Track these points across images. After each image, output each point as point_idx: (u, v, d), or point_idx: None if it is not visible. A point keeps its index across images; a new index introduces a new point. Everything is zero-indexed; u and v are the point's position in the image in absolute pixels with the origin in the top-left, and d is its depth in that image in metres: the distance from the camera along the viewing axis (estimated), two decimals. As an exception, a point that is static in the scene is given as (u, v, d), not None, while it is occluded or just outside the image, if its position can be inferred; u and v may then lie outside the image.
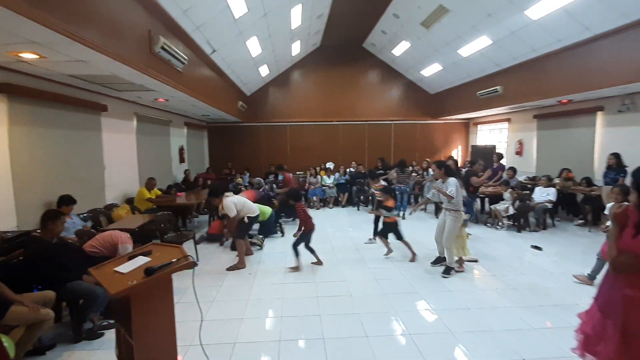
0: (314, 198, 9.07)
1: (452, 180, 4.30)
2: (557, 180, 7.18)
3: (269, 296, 3.80)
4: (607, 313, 1.70)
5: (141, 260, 2.10)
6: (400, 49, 9.95)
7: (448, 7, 6.71)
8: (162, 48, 4.44)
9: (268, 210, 5.92)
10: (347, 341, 2.90)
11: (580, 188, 6.67)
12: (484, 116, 11.02)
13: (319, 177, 9.53)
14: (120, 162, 6.33)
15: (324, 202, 9.26)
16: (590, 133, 7.18)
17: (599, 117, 7.00)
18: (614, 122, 6.70)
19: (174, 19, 4.89)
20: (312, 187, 9.22)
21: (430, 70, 10.16)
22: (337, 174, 9.73)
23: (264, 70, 10.08)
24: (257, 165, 11.54)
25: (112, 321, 3.10)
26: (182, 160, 9.43)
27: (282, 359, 2.68)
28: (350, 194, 9.25)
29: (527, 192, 6.89)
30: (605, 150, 6.77)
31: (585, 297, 3.66)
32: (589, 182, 6.70)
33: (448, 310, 3.40)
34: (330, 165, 11.03)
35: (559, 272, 4.34)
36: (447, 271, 4.29)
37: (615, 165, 5.96)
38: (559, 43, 6.15)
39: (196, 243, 5.22)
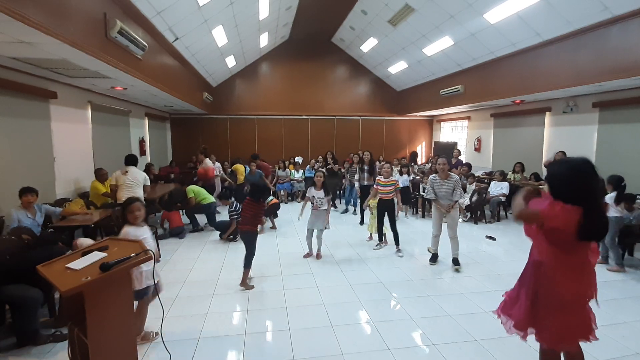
0: (282, 192, 9.05)
1: (455, 177, 4.32)
2: (516, 176, 7.63)
3: (234, 291, 3.77)
4: (522, 282, 1.97)
5: (96, 256, 2.00)
6: (368, 45, 10.10)
7: (414, 6, 6.92)
8: (120, 33, 4.17)
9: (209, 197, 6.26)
10: (312, 331, 2.96)
11: (530, 182, 7.21)
12: (447, 114, 11.54)
13: (287, 170, 9.49)
14: (73, 154, 5.90)
15: (292, 196, 9.27)
16: (539, 132, 7.78)
17: (547, 117, 7.59)
18: (560, 122, 7.30)
19: (132, 3, 4.61)
20: (281, 181, 9.19)
21: (397, 67, 10.43)
22: (307, 167, 9.74)
23: (230, 61, 9.81)
24: (224, 158, 11.25)
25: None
26: (142, 152, 8.96)
27: (247, 352, 2.69)
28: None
29: (485, 186, 7.35)
30: (552, 147, 7.37)
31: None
32: (537, 177, 7.26)
33: (409, 299, 3.57)
34: (298, 159, 11.02)
35: (510, 260, 4.70)
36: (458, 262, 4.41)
37: None
38: (513, 47, 6.57)
39: (158, 238, 5.02)
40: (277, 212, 6.47)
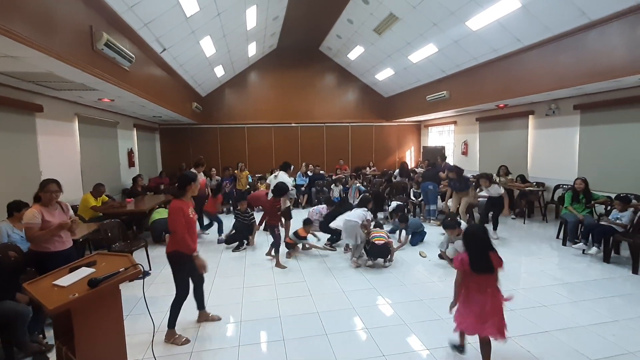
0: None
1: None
2: (501, 179, 7.76)
3: (227, 302, 3.72)
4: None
5: (84, 272, 1.97)
6: (355, 53, 10.25)
7: (398, 15, 7.07)
8: (106, 45, 4.16)
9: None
10: (307, 340, 2.95)
11: (516, 184, 7.36)
12: (433, 119, 11.73)
13: (278, 179, 9.46)
14: (61, 167, 5.80)
15: (284, 204, 9.22)
16: (524, 134, 7.97)
17: (531, 120, 7.79)
18: (543, 124, 7.50)
19: (119, 15, 4.61)
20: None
21: (384, 74, 10.60)
22: (298, 174, 9.73)
23: (219, 71, 9.83)
24: (215, 168, 11.19)
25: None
26: (131, 164, 8.86)
27: (241, 364, 2.65)
28: (310, 195, 9.34)
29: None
30: (537, 149, 7.56)
31: (523, 282, 4.06)
32: (523, 179, 7.41)
33: (402, 304, 3.58)
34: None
35: (500, 261, 4.76)
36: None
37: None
38: (494, 52, 6.75)
39: (147, 250, 4.94)
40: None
